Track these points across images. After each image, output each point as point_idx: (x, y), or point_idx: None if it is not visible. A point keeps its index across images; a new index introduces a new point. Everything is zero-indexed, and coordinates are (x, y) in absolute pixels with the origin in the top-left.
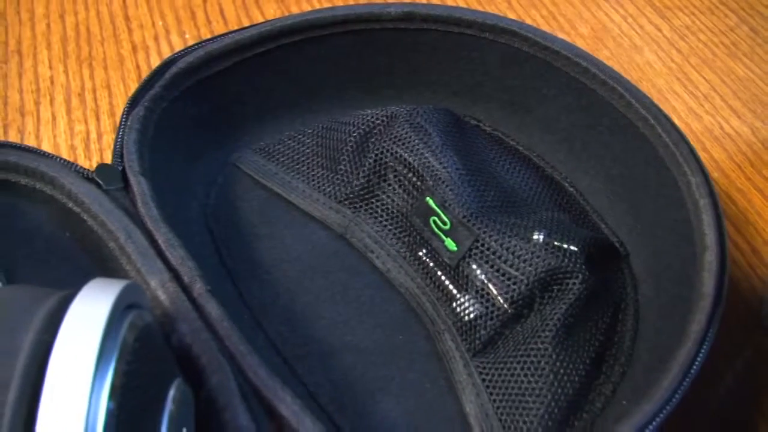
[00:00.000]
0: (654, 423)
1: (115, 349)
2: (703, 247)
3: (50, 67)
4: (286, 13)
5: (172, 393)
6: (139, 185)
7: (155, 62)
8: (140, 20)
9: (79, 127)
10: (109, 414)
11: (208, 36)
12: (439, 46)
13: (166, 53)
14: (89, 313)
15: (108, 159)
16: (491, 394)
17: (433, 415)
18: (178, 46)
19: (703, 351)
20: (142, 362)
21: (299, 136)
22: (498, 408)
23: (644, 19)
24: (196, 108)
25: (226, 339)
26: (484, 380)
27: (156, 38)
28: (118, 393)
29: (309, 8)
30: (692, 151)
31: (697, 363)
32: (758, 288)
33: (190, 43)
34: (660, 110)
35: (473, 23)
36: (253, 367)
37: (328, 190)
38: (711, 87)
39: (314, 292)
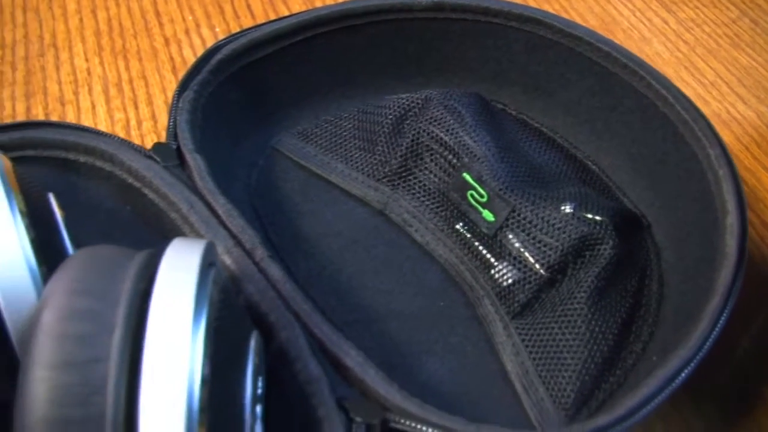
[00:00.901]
0: (686, 371)
1: (206, 299)
2: (724, 213)
3: (86, 59)
4: (311, 7)
5: (252, 344)
6: (195, 161)
7: (188, 54)
8: (170, 15)
9: (118, 115)
10: (206, 358)
11: (237, 30)
12: (466, 34)
13: (198, 46)
14: (182, 264)
15: (148, 145)
16: (530, 353)
17: (476, 374)
18: (209, 40)
19: (729, 305)
20: (227, 314)
21: (336, 120)
22: (537, 365)
23: (651, 13)
24: (238, 93)
25: (289, 299)
26: (523, 340)
27: (187, 32)
28: (211, 340)
29: (332, 2)
30: (710, 126)
31: (724, 315)
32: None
33: (220, 36)
34: (678, 90)
35: (500, 12)
36: (318, 324)
37: (367, 169)
38: (717, 75)
39: (357, 265)
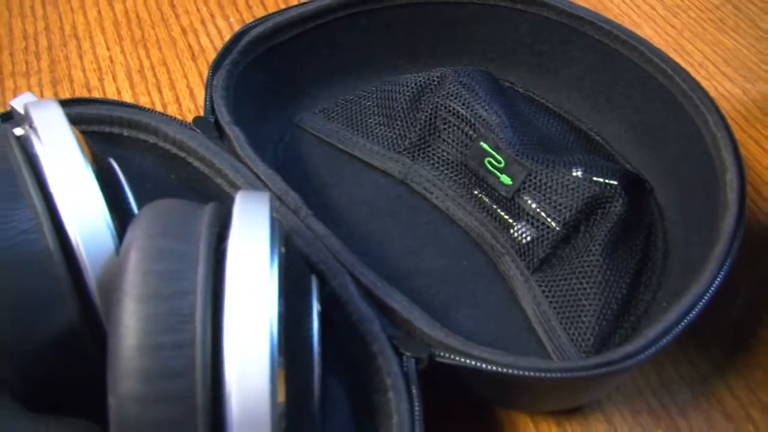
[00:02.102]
0: (700, 305)
1: (276, 240)
2: (723, 170)
3: (108, 48)
4: None
5: (313, 287)
6: (233, 132)
7: (205, 43)
8: (185, 6)
9: (144, 99)
10: (280, 292)
11: (251, 19)
12: (475, 17)
13: (214, 35)
14: (253, 208)
15: None
16: (551, 303)
17: (501, 324)
18: (224, 29)
19: (733, 249)
20: (290, 258)
21: (355, 98)
22: (558, 314)
23: (640, 0)
24: (264, 74)
25: (335, 252)
26: (543, 291)
27: (203, 22)
28: (282, 284)
29: None
30: (707, 95)
31: (730, 258)
32: (761, 219)
33: (235, 26)
34: (676, 63)
35: None
36: (364, 273)
37: (387, 143)
38: (704, 56)
39: (384, 229)
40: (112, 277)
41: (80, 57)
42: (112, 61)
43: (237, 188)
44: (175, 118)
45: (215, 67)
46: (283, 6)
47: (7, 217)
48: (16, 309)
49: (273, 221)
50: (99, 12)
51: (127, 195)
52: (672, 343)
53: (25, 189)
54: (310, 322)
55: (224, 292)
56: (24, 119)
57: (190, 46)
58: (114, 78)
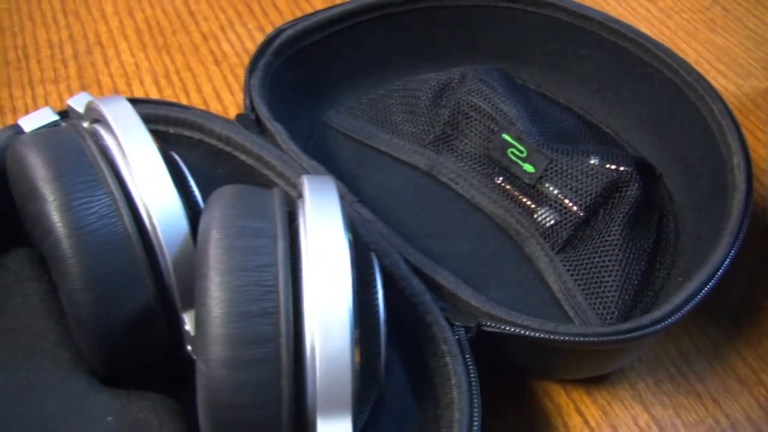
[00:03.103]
0: (718, 274)
1: (345, 216)
2: (730, 154)
3: (132, 55)
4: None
5: (375, 261)
6: (275, 127)
7: (227, 48)
8: (203, 14)
9: None
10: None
11: (269, 26)
12: (489, 19)
13: (234, 41)
14: (324, 189)
15: None
16: (576, 280)
17: (530, 301)
18: (244, 35)
19: (745, 223)
20: (355, 234)
21: (378, 97)
22: (582, 289)
23: (635, 2)
24: (294, 75)
25: (382, 234)
26: (568, 270)
27: (222, 29)
28: (353, 257)
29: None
30: (711, 86)
31: (742, 232)
32: (760, 203)
33: (255, 33)
34: (680, 57)
35: None
36: (411, 252)
37: (411, 137)
38: (698, 54)
39: (414, 218)
40: (188, 257)
41: (106, 64)
42: (138, 67)
43: (285, 179)
44: (218, 115)
45: (251, 68)
46: (297, 12)
47: (88, 204)
48: (98, 289)
49: (341, 200)
50: (120, 21)
51: (190, 183)
52: (690, 314)
53: (102, 178)
54: (375, 292)
55: (301, 264)
56: (82, 116)
57: (212, 52)
58: (141, 83)
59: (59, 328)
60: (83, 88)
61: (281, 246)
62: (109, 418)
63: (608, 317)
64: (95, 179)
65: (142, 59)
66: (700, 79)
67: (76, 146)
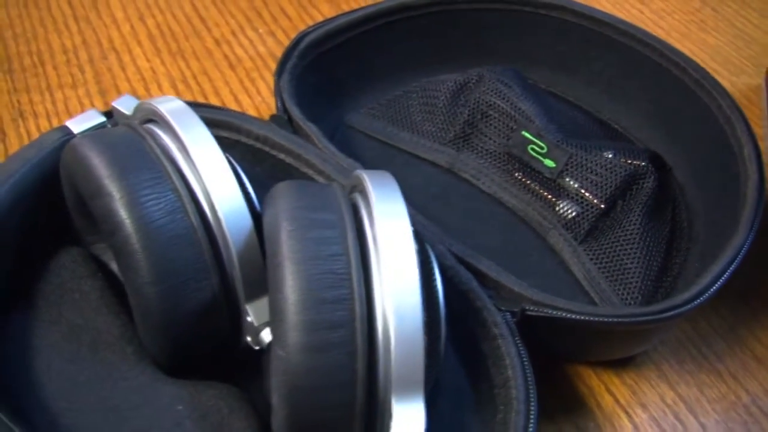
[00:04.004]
0: (739, 256)
1: (407, 208)
2: (740, 146)
3: (147, 60)
4: (338, 11)
5: (430, 249)
6: (309, 128)
7: (240, 53)
8: (214, 20)
9: None
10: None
11: (279, 31)
12: (501, 22)
13: (247, 45)
14: (386, 183)
15: None
16: (599, 267)
17: (557, 289)
18: (256, 39)
19: (759, 209)
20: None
21: (396, 98)
22: (606, 276)
23: (628, 5)
24: (316, 77)
25: (423, 227)
26: (591, 259)
27: (234, 33)
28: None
29: (356, 6)
30: (718, 83)
31: (758, 218)
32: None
33: (266, 37)
34: (687, 56)
35: (530, 2)
36: (452, 243)
37: (432, 136)
38: (692, 54)
39: (439, 213)
40: (253, 249)
41: (122, 68)
42: (154, 72)
43: (326, 176)
44: (253, 116)
45: (279, 70)
46: (306, 18)
47: (155, 200)
48: (166, 282)
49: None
50: (132, 26)
51: (244, 180)
52: (710, 297)
53: (166, 175)
54: (435, 279)
55: (369, 253)
56: (128, 117)
57: (226, 56)
58: (159, 87)
59: (120, 323)
60: (102, 92)
61: (350, 236)
62: (179, 407)
63: (632, 302)
64: (160, 176)
65: (158, 64)
66: (707, 76)
67: (138, 145)
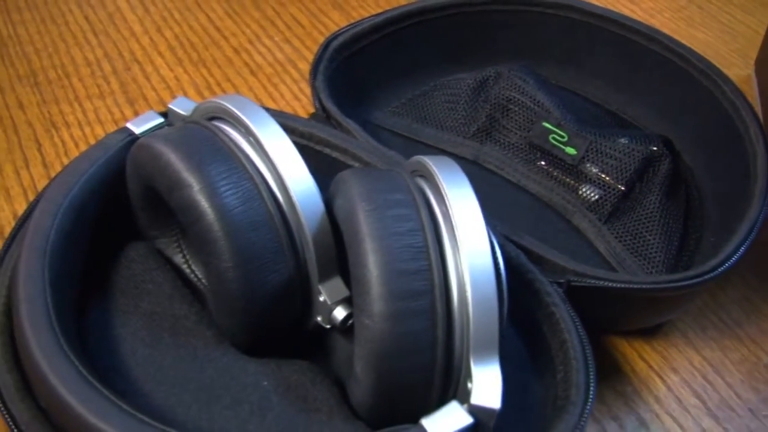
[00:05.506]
0: (756, 225)
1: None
2: (746, 128)
3: (170, 69)
4: (349, 19)
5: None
6: (349, 124)
7: (259, 60)
8: (230, 30)
9: None
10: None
11: (294, 39)
12: (510, 22)
13: (265, 53)
14: (449, 165)
15: None
16: (624, 244)
17: (584, 261)
18: (273, 47)
19: None
20: None
21: (417, 97)
22: (630, 252)
23: (620, 5)
24: (343, 79)
25: None
26: (615, 236)
27: (251, 42)
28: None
29: (365, 14)
30: (720, 71)
31: None
32: None
33: (282, 45)
34: (689, 47)
35: (538, 2)
36: (496, 224)
37: (455, 131)
38: None
39: None
40: (326, 232)
41: (147, 78)
42: (178, 80)
43: (373, 167)
44: (295, 114)
45: (314, 72)
46: (318, 24)
47: (234, 189)
48: (248, 265)
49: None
50: (151, 39)
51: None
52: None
53: (240, 165)
54: (495, 252)
55: (441, 228)
56: (184, 116)
57: (246, 64)
58: (185, 94)
59: (195, 309)
60: (130, 102)
61: (425, 213)
62: (265, 383)
63: (656, 274)
64: (235, 166)
65: (181, 73)
66: (711, 65)
67: (210, 139)
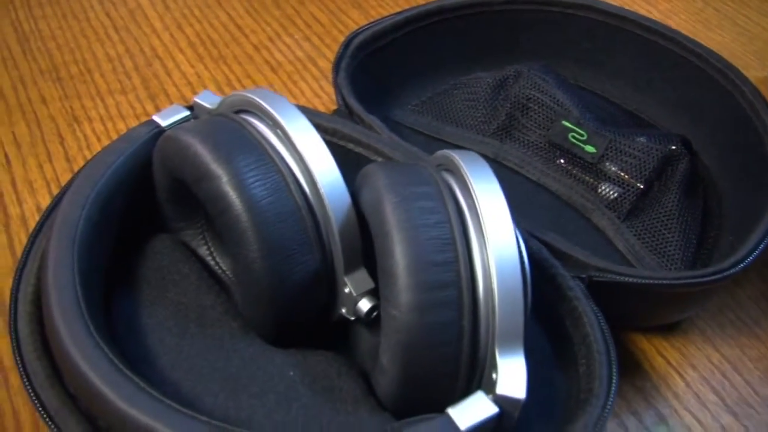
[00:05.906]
0: None
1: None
2: (765, 126)
3: (191, 66)
4: (368, 17)
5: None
6: (372, 120)
7: (279, 57)
8: (250, 27)
9: None
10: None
11: (314, 37)
12: (531, 22)
13: (285, 50)
14: (474, 159)
15: None
16: (642, 242)
17: (603, 258)
18: (293, 44)
19: None
20: None
21: (437, 96)
22: (649, 250)
23: (637, 6)
24: (364, 77)
25: None
26: (634, 234)
27: (271, 39)
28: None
29: (384, 12)
30: (739, 71)
31: None
32: None
33: (302, 43)
34: (708, 48)
35: (559, 3)
36: (519, 220)
37: (476, 129)
38: None
39: None
40: (352, 225)
41: (168, 74)
42: (199, 77)
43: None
44: (319, 110)
45: (336, 68)
46: (338, 23)
47: (262, 181)
48: (275, 256)
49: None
50: (171, 35)
51: None
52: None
53: (269, 157)
54: (520, 246)
55: (467, 221)
56: (210, 109)
57: (267, 61)
58: None
59: (221, 300)
60: (151, 97)
61: (451, 205)
62: (291, 373)
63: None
64: (263, 158)
65: (202, 69)
66: (729, 65)
67: (238, 131)
